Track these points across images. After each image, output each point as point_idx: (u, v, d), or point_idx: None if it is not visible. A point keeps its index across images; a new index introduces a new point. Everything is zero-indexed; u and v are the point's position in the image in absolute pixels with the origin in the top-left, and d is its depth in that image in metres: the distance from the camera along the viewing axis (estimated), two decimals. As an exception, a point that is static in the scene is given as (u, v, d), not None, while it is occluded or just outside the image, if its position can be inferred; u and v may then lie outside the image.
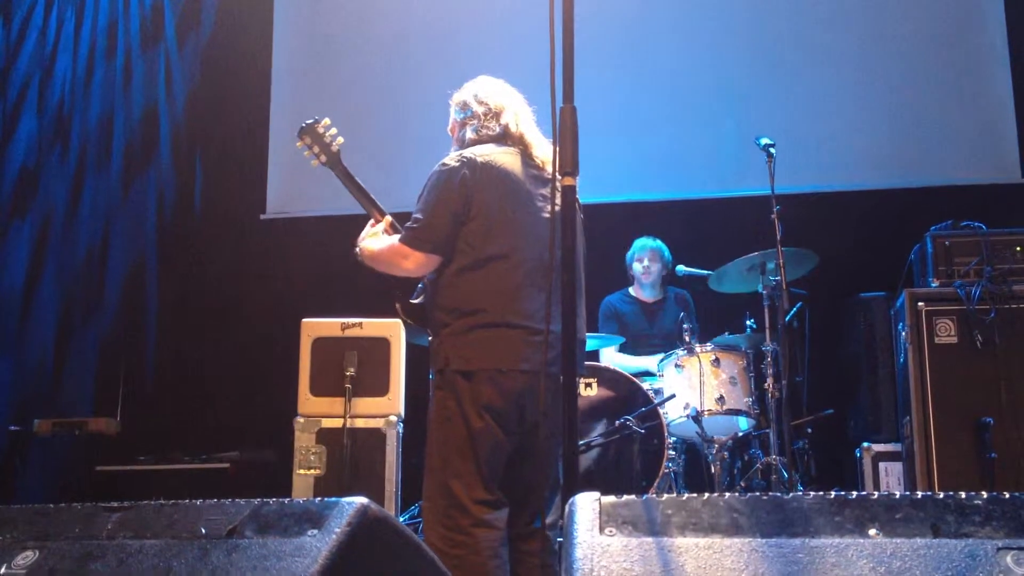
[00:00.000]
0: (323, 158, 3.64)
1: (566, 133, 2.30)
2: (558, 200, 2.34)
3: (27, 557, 1.68)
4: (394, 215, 3.58)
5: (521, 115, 3.48)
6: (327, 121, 3.66)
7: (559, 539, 2.09)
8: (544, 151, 3.40)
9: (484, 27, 6.71)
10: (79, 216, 6.72)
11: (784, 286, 4.78)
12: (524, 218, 3.33)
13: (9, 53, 6.49)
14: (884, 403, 5.20)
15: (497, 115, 3.46)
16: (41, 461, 6.05)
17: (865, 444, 5.12)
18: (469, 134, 3.48)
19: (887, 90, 6.35)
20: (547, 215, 3.34)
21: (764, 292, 5.06)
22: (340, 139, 3.64)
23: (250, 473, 5.61)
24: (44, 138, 6.64)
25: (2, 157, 6.38)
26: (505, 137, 3.44)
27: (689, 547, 1.49)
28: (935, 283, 4.64)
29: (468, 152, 3.36)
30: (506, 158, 3.37)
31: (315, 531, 1.58)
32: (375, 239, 3.48)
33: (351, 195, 3.59)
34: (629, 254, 5.95)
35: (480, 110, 3.48)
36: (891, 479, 4.98)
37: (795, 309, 5.21)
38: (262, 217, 6.99)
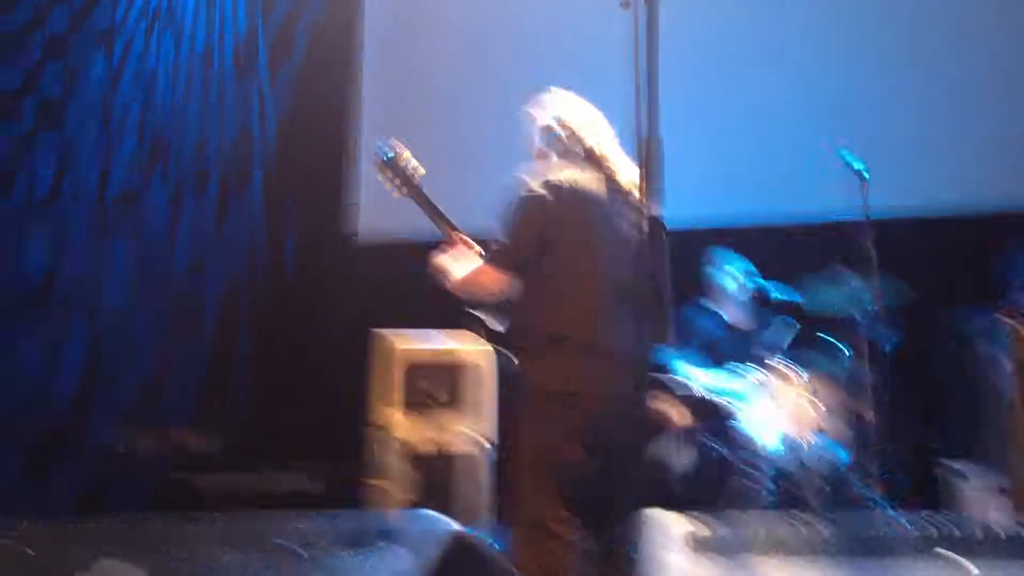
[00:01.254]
0: (404, 190, 3.66)
1: (650, 164, 2.30)
2: (644, 227, 2.34)
3: (116, 568, 1.73)
4: (477, 239, 3.59)
5: (603, 136, 3.47)
6: (408, 153, 3.67)
7: (637, 557, 2.09)
8: (628, 174, 3.39)
9: (564, 46, 6.72)
10: (177, 238, 6.91)
11: (882, 315, 4.69)
12: (608, 242, 3.33)
13: (111, 78, 6.71)
14: (983, 427, 5.05)
15: (580, 138, 3.46)
16: (134, 473, 6.20)
17: (956, 466, 4.98)
18: (553, 156, 3.50)
19: (974, 111, 6.20)
20: (631, 239, 3.33)
21: (859, 319, 4.97)
22: (421, 170, 3.66)
23: (342, 491, 5.67)
24: (144, 162, 6.85)
25: (107, 179, 6.59)
26: (588, 159, 3.44)
27: (773, 570, 1.47)
28: (1029, 302, 4.53)
29: (552, 176, 3.37)
30: (591, 182, 3.37)
31: (406, 552, 1.60)
32: (457, 263, 3.50)
33: (432, 221, 3.62)
34: (712, 270, 5.84)
35: (563, 132, 3.49)
36: (991, 507, 4.84)
37: (895, 339, 5.09)
38: (354, 239, 7.09)
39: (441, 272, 3.53)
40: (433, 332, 5.11)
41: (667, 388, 4.87)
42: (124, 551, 1.78)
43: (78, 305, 6.28)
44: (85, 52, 6.60)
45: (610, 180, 3.40)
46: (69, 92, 6.49)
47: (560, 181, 3.34)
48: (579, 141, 3.46)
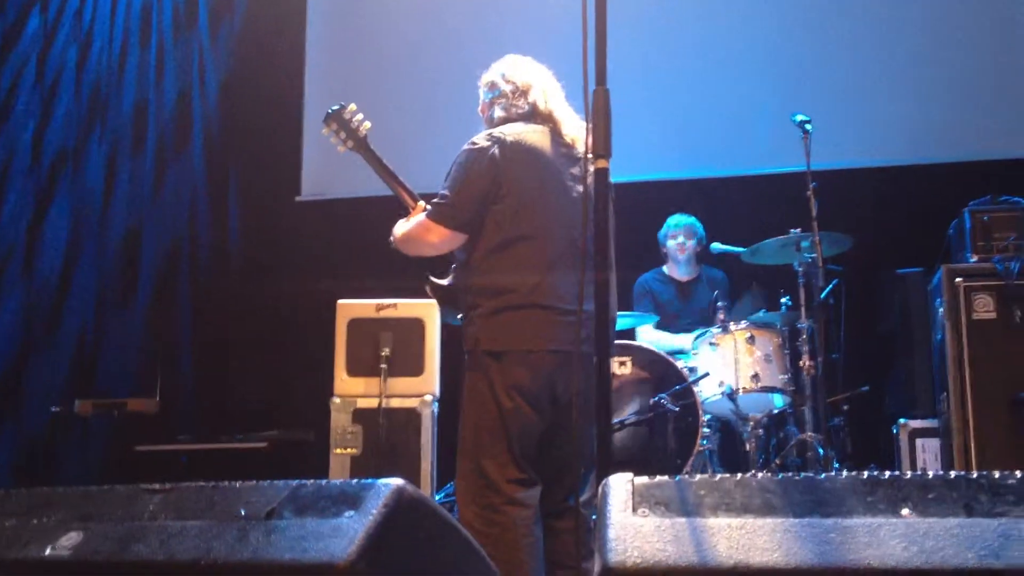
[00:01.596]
0: (350, 143, 3.64)
1: (599, 115, 2.29)
2: (590, 180, 2.34)
3: (71, 538, 1.71)
4: (424, 196, 3.59)
5: (550, 92, 3.46)
6: (353, 107, 3.66)
7: (594, 516, 2.11)
8: (574, 128, 3.39)
9: (517, 6, 6.69)
10: (116, 198, 6.79)
11: (820, 264, 4.76)
12: (553, 198, 3.33)
13: (47, 35, 6.55)
14: (921, 379, 5.15)
15: (525, 93, 3.45)
16: (82, 441, 6.14)
17: (902, 421, 5.09)
18: (498, 113, 3.48)
19: (924, 64, 6.26)
20: (577, 195, 3.34)
21: (799, 269, 5.03)
22: (367, 124, 3.64)
23: (287, 453, 5.66)
24: (81, 121, 6.71)
25: (42, 138, 6.45)
26: (534, 115, 3.43)
27: (722, 527, 1.49)
28: (973, 258, 4.61)
29: (497, 131, 3.36)
30: (535, 136, 3.37)
31: (352, 512, 1.60)
32: (405, 222, 3.50)
33: (380, 178, 3.60)
34: (662, 231, 5.92)
35: (508, 88, 3.48)
36: (928, 456, 4.96)
37: (831, 286, 5.18)
38: (297, 199, 7.04)
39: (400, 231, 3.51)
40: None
41: (616, 345, 4.91)
42: (81, 521, 1.75)
43: (12, 267, 6.15)
44: (20, 6, 6.43)
45: (556, 134, 3.40)
46: (3, 48, 6.32)
47: (504, 135, 3.33)
48: (523, 96, 3.46)
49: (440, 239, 3.36)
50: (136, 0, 7.07)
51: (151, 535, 1.67)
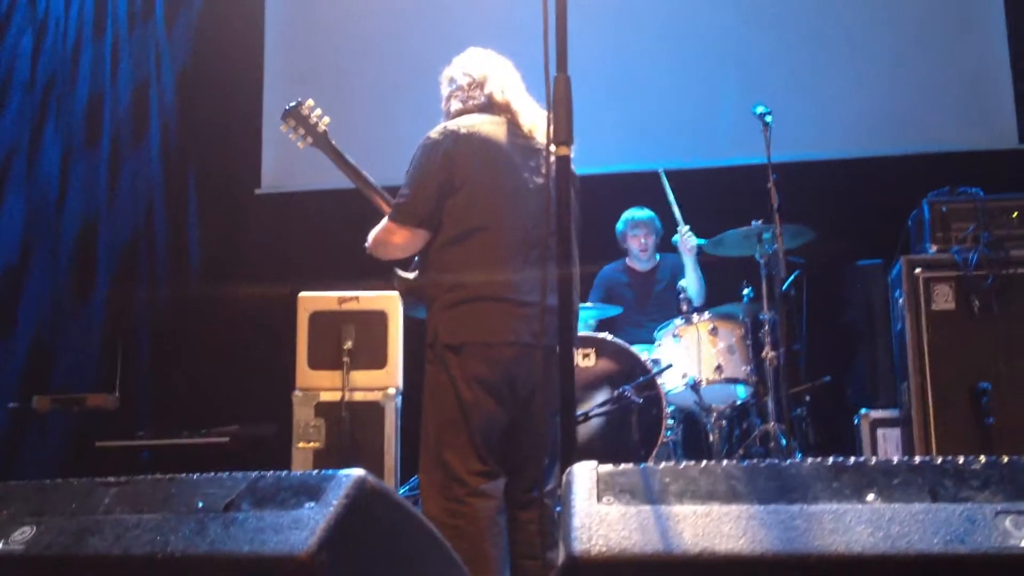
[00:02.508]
0: (309, 139, 3.61)
1: (560, 102, 2.28)
2: (551, 168, 2.33)
3: (24, 533, 1.67)
4: (390, 189, 3.56)
5: (507, 82, 3.44)
6: (311, 102, 3.63)
7: (558, 508, 2.10)
8: (531, 118, 3.37)
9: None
10: (72, 192, 6.70)
11: (781, 255, 4.78)
12: (509, 189, 3.31)
13: (4, 30, 6.45)
14: (882, 370, 5.20)
15: (481, 84, 3.43)
16: (40, 438, 6.06)
17: (863, 411, 5.13)
18: (455, 106, 3.46)
19: (882, 56, 6.32)
20: (535, 185, 3.32)
21: (761, 261, 5.05)
22: (326, 119, 3.61)
23: (249, 447, 5.62)
24: (35, 114, 6.61)
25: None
26: (491, 106, 3.40)
27: (687, 515, 1.48)
28: (932, 249, 4.64)
29: (452, 124, 3.34)
30: (491, 128, 3.34)
31: (312, 503, 1.58)
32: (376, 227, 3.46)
33: (342, 172, 3.57)
34: (620, 227, 5.92)
35: (464, 81, 3.46)
36: (889, 445, 5.00)
37: (792, 277, 5.20)
38: (257, 192, 6.98)
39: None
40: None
41: (580, 336, 4.91)
42: (35, 516, 1.71)
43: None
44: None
45: (513, 125, 3.38)
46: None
47: (457, 127, 3.31)
48: (480, 87, 3.44)
49: (403, 239, 3.34)
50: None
51: (106, 529, 1.63)
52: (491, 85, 3.43)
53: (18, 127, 6.49)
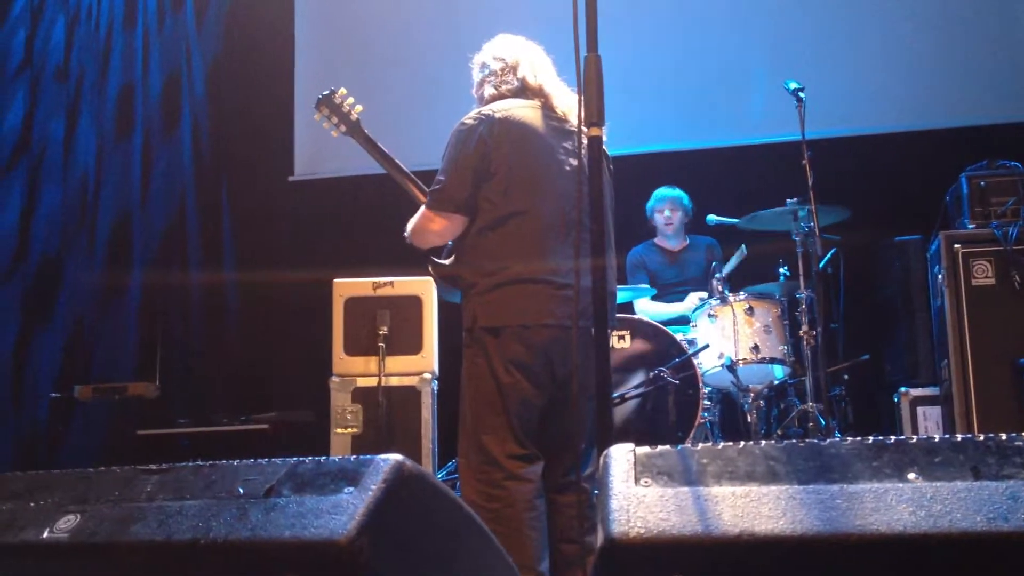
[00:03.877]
0: (343, 128, 3.63)
1: (590, 82, 2.27)
2: (584, 150, 2.32)
3: (68, 521, 1.70)
4: (421, 174, 3.56)
5: (539, 66, 3.44)
6: (343, 91, 3.64)
7: (596, 491, 2.10)
8: (565, 101, 3.37)
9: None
10: (108, 182, 6.76)
11: (817, 233, 4.73)
12: (545, 171, 3.30)
13: (35, 21, 6.50)
14: (921, 347, 5.15)
15: (514, 69, 3.43)
16: (83, 427, 6.13)
17: (903, 389, 5.08)
18: (488, 91, 3.46)
19: (918, 30, 6.23)
20: (570, 168, 3.31)
21: (797, 239, 5.01)
22: (359, 107, 3.62)
23: (288, 434, 5.66)
24: (70, 105, 6.66)
25: (32, 124, 6.41)
26: (524, 90, 3.41)
27: (725, 495, 1.48)
28: (971, 224, 4.58)
29: (486, 108, 3.34)
30: (525, 111, 3.34)
31: (352, 488, 1.59)
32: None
33: (374, 160, 3.58)
34: (649, 205, 5.92)
35: (497, 66, 3.46)
36: (929, 423, 4.95)
37: (829, 255, 5.16)
38: (290, 179, 7.01)
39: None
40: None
41: (615, 318, 4.90)
42: (79, 504, 1.74)
43: (4, 255, 6.13)
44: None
45: (547, 108, 3.38)
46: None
47: (492, 112, 3.31)
48: (512, 72, 3.43)
49: (441, 226, 3.34)
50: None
51: (149, 516, 1.65)
52: (523, 69, 3.43)
53: (54, 117, 6.55)
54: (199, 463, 1.77)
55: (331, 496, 1.59)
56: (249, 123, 7.08)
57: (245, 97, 7.07)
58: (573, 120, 3.34)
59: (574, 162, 3.30)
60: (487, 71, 3.49)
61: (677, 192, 5.85)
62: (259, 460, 1.73)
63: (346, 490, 1.59)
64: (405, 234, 3.47)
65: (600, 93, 2.27)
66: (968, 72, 6.15)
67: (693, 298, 5.48)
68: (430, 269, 3.48)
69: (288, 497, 1.62)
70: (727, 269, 5.32)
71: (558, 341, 3.22)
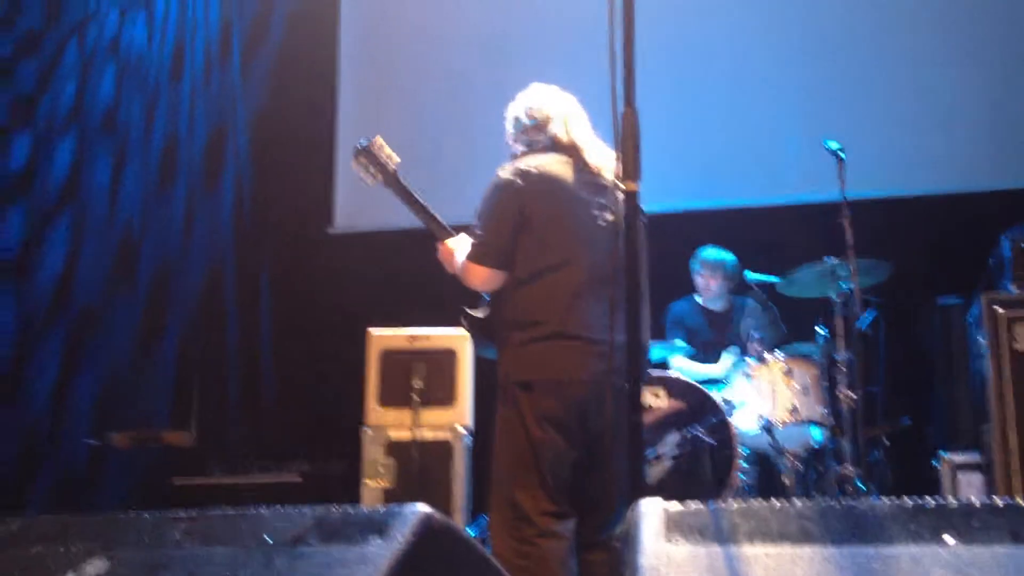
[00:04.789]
0: (380, 178, 3.59)
1: (627, 138, 2.27)
2: (620, 206, 2.32)
3: (96, 566, 1.69)
4: (460, 228, 3.56)
5: (572, 121, 3.45)
6: (381, 141, 3.61)
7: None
8: (598, 156, 3.38)
9: (547, 34, 6.72)
10: (153, 232, 6.85)
11: (857, 293, 4.69)
12: (579, 226, 3.31)
13: (82, 70, 6.65)
14: (963, 412, 5.06)
15: (546, 124, 3.45)
16: (119, 474, 6.16)
17: (943, 454, 4.99)
18: (521, 146, 3.49)
19: (959, 90, 6.20)
20: (604, 223, 3.31)
21: (837, 299, 4.97)
22: (396, 158, 3.60)
23: (320, 485, 5.65)
24: (118, 156, 6.79)
25: (79, 173, 6.53)
26: (556, 146, 3.42)
27: (758, 556, 1.45)
28: (1014, 288, 4.52)
29: (521, 163, 3.36)
30: (559, 167, 3.35)
31: (379, 539, 1.58)
32: (462, 249, 3.45)
33: (411, 211, 3.56)
34: (694, 263, 5.85)
35: (529, 122, 3.48)
36: (971, 490, 4.85)
37: (869, 316, 5.11)
38: (330, 231, 7.06)
39: (448, 258, 3.48)
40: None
41: (649, 375, 4.87)
42: (107, 549, 1.74)
43: (49, 301, 6.22)
44: (59, 42, 6.54)
45: (580, 163, 3.38)
46: (41, 80, 6.43)
47: (528, 167, 3.32)
48: (545, 127, 3.45)
49: (482, 280, 3.35)
50: (170, 35, 7.15)
51: (177, 562, 1.65)
52: (555, 126, 3.44)
53: (100, 167, 6.67)
54: (227, 510, 1.77)
55: (358, 546, 1.57)
56: (290, 174, 7.16)
57: (287, 148, 7.16)
58: (606, 175, 3.34)
59: (608, 217, 3.31)
60: (519, 127, 3.51)
61: (721, 256, 5.76)
62: (287, 508, 1.72)
63: (373, 541, 1.58)
64: (453, 269, 3.45)
65: (637, 148, 2.27)
66: (1010, 134, 6.11)
67: (727, 360, 5.43)
68: (464, 323, 3.48)
69: (315, 546, 1.61)
70: (763, 328, 5.28)
71: (592, 397, 3.20)
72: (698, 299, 5.88)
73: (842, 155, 4.79)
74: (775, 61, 6.51)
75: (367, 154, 3.60)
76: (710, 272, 5.75)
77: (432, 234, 3.56)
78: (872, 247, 4.92)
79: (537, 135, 3.46)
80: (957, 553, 1.41)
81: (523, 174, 3.30)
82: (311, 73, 7.24)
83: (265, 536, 1.66)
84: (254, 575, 1.59)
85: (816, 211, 5.57)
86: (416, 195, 3.56)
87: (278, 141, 7.22)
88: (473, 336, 3.53)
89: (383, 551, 1.54)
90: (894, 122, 6.23)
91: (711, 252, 5.79)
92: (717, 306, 5.83)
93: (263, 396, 6.91)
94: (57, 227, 6.36)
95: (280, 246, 7.19)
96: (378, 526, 1.60)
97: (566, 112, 3.47)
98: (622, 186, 2.27)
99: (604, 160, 3.35)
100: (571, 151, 3.40)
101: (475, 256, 3.33)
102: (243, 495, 5.47)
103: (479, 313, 3.46)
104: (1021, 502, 1.50)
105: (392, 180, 3.59)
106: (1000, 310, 4.39)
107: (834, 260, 4.90)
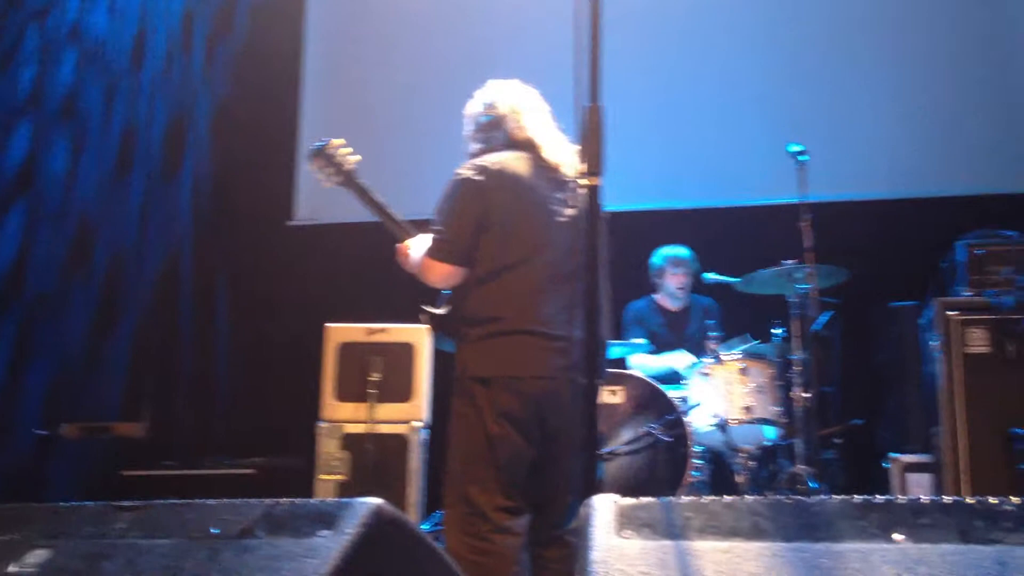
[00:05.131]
0: (337, 179, 3.56)
1: (591, 132, 2.26)
2: (579, 201, 2.31)
3: (38, 556, 1.66)
4: (419, 223, 3.53)
5: (527, 116, 3.44)
6: (337, 141, 3.56)
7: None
8: (556, 150, 3.37)
9: (516, 28, 6.71)
10: (109, 221, 6.76)
11: (814, 295, 4.72)
12: (539, 223, 3.30)
13: (44, 57, 6.54)
14: (914, 414, 5.11)
15: (504, 120, 3.44)
16: (68, 465, 6.07)
17: (893, 455, 5.04)
18: (480, 142, 3.47)
19: (918, 98, 6.28)
20: (563, 219, 3.31)
21: (793, 300, 5.00)
22: (354, 157, 3.56)
23: (275, 478, 5.60)
24: (77, 144, 6.68)
25: (36, 163, 6.43)
26: (515, 142, 3.41)
27: (708, 551, 1.45)
28: (967, 292, 4.57)
29: (480, 160, 3.34)
30: (518, 163, 3.34)
31: (328, 532, 1.56)
32: (419, 248, 3.43)
33: (369, 211, 3.52)
34: (658, 262, 5.86)
35: (485, 119, 3.47)
36: (920, 490, 4.90)
37: (825, 318, 5.14)
38: (289, 223, 7.01)
39: (405, 258, 3.45)
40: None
41: (608, 373, 4.87)
42: (49, 539, 1.70)
43: (1, 289, 6.11)
44: (20, 26, 6.42)
45: (539, 159, 3.37)
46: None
47: (488, 164, 3.31)
48: (503, 124, 3.44)
49: (443, 277, 3.32)
50: (131, 23, 7.06)
51: (120, 553, 1.62)
52: (513, 121, 3.43)
53: (57, 155, 6.56)
54: (173, 501, 1.74)
55: (306, 539, 1.56)
56: (251, 166, 7.10)
57: (249, 140, 7.10)
58: (565, 170, 3.34)
59: (568, 212, 3.30)
60: (478, 122, 3.50)
61: (690, 254, 5.81)
62: (235, 500, 1.70)
63: (322, 533, 1.56)
64: (410, 267, 3.42)
65: (599, 143, 2.26)
66: (966, 142, 6.19)
67: (686, 355, 5.45)
68: (423, 319, 3.46)
69: (262, 539, 1.59)
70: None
71: (549, 393, 3.19)
72: (656, 298, 5.90)
73: (803, 158, 4.82)
74: (735, 64, 6.54)
75: (323, 156, 3.55)
76: (680, 269, 5.77)
77: (391, 234, 3.52)
78: (830, 249, 4.96)
79: (493, 132, 3.45)
80: (905, 550, 1.41)
81: (484, 170, 3.29)
82: (275, 65, 7.18)
83: (211, 528, 1.64)
84: (199, 567, 1.57)
85: (774, 213, 5.61)
86: (374, 195, 3.51)
87: (240, 132, 7.15)
88: (433, 332, 3.51)
89: (332, 543, 1.52)
90: (854, 128, 6.30)
91: (681, 250, 5.81)
92: (676, 305, 5.85)
93: (218, 389, 6.85)
94: (11, 214, 6.24)
95: (239, 237, 7.12)
96: (327, 518, 1.58)
97: (522, 108, 3.46)
98: (584, 181, 2.26)
99: (563, 155, 3.35)
100: (528, 147, 3.39)
101: (435, 252, 3.31)
102: (195, 488, 5.41)
103: (438, 309, 3.44)
104: (968, 500, 1.50)
105: (349, 181, 3.54)
106: (953, 314, 4.44)
107: (791, 262, 4.93)
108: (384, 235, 3.59)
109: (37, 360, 6.30)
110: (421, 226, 3.46)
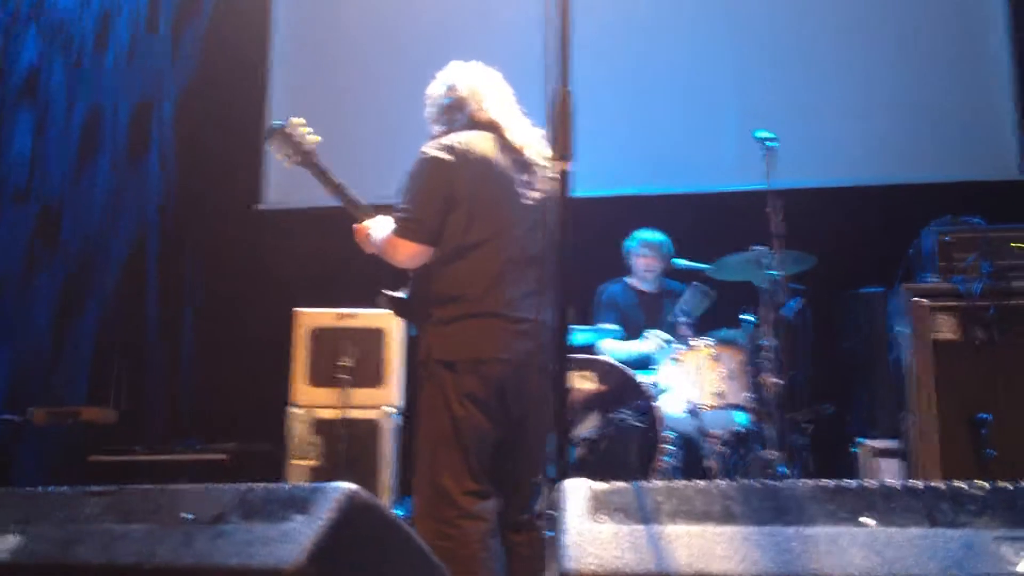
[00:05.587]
0: (296, 159, 3.55)
1: (559, 116, 2.26)
2: (545, 184, 2.31)
3: (9, 541, 1.65)
4: (381, 208, 3.52)
5: (493, 98, 3.43)
6: (296, 120, 3.56)
7: (550, 532, 2.06)
8: (520, 133, 3.37)
9: (486, 11, 6.70)
10: (76, 204, 6.69)
11: (782, 281, 4.75)
12: (505, 204, 3.29)
13: (6, 35, 6.46)
14: (883, 399, 5.16)
15: (467, 101, 3.43)
16: (36, 450, 6.02)
17: (861, 440, 5.09)
18: (440, 126, 3.46)
19: (887, 86, 6.32)
20: (528, 201, 3.31)
21: (763, 287, 5.03)
22: (313, 138, 3.55)
23: (246, 464, 5.59)
24: (42, 125, 6.61)
25: (1, 142, 6.35)
26: (478, 123, 3.39)
27: (680, 534, 1.46)
28: (934, 279, 4.62)
29: (446, 139, 3.33)
30: (484, 143, 3.33)
31: (301, 516, 1.56)
32: (380, 228, 3.42)
33: (328, 192, 3.51)
34: (630, 245, 5.88)
35: (446, 101, 3.45)
36: (889, 475, 4.95)
37: (793, 304, 5.17)
38: (257, 208, 6.98)
39: (364, 239, 3.44)
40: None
41: (578, 358, 4.89)
42: (21, 524, 1.69)
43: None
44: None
45: (504, 141, 3.36)
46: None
47: (454, 143, 3.29)
48: (465, 104, 3.42)
49: (409, 256, 3.29)
50: (96, 3, 6.98)
51: (92, 538, 1.61)
52: (476, 101, 3.42)
53: (21, 138, 6.49)
54: (147, 486, 1.74)
55: (280, 524, 1.56)
56: (219, 150, 7.05)
57: (216, 124, 7.05)
58: (530, 153, 3.34)
59: (532, 195, 3.30)
60: (440, 103, 3.48)
61: (662, 239, 5.83)
62: (208, 485, 1.70)
63: (296, 518, 1.56)
64: (372, 247, 3.41)
65: (568, 127, 2.26)
66: (934, 129, 6.25)
67: (654, 338, 5.46)
68: (382, 303, 3.43)
69: (236, 524, 1.59)
70: (694, 310, 5.32)
71: (513, 376, 3.20)
72: (630, 281, 5.92)
73: (771, 145, 4.84)
74: (704, 51, 6.57)
75: (282, 135, 3.55)
76: (650, 252, 5.79)
77: (349, 215, 3.51)
78: (799, 235, 4.98)
79: (455, 114, 3.43)
80: (875, 534, 1.43)
81: (451, 149, 3.28)
82: (242, 48, 7.13)
83: (185, 513, 1.63)
84: (172, 552, 1.57)
85: (745, 199, 5.62)
86: (332, 176, 3.49)
87: (207, 116, 7.10)
88: (395, 315, 3.49)
89: (305, 528, 1.53)
90: (821, 116, 6.34)
91: (650, 233, 5.84)
92: (651, 287, 5.87)
93: (187, 373, 6.81)
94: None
95: (207, 222, 7.08)
96: (301, 503, 1.58)
97: (483, 89, 3.45)
98: (551, 165, 2.26)
99: (527, 137, 3.34)
100: (491, 128, 3.38)
101: (402, 231, 3.28)
102: (165, 473, 5.39)
103: (398, 293, 3.42)
104: (937, 484, 1.53)
105: (307, 161, 3.54)
106: (922, 300, 4.48)
107: (760, 248, 4.96)
108: (350, 218, 3.58)
109: (3, 344, 6.25)
110: (386, 210, 3.44)
